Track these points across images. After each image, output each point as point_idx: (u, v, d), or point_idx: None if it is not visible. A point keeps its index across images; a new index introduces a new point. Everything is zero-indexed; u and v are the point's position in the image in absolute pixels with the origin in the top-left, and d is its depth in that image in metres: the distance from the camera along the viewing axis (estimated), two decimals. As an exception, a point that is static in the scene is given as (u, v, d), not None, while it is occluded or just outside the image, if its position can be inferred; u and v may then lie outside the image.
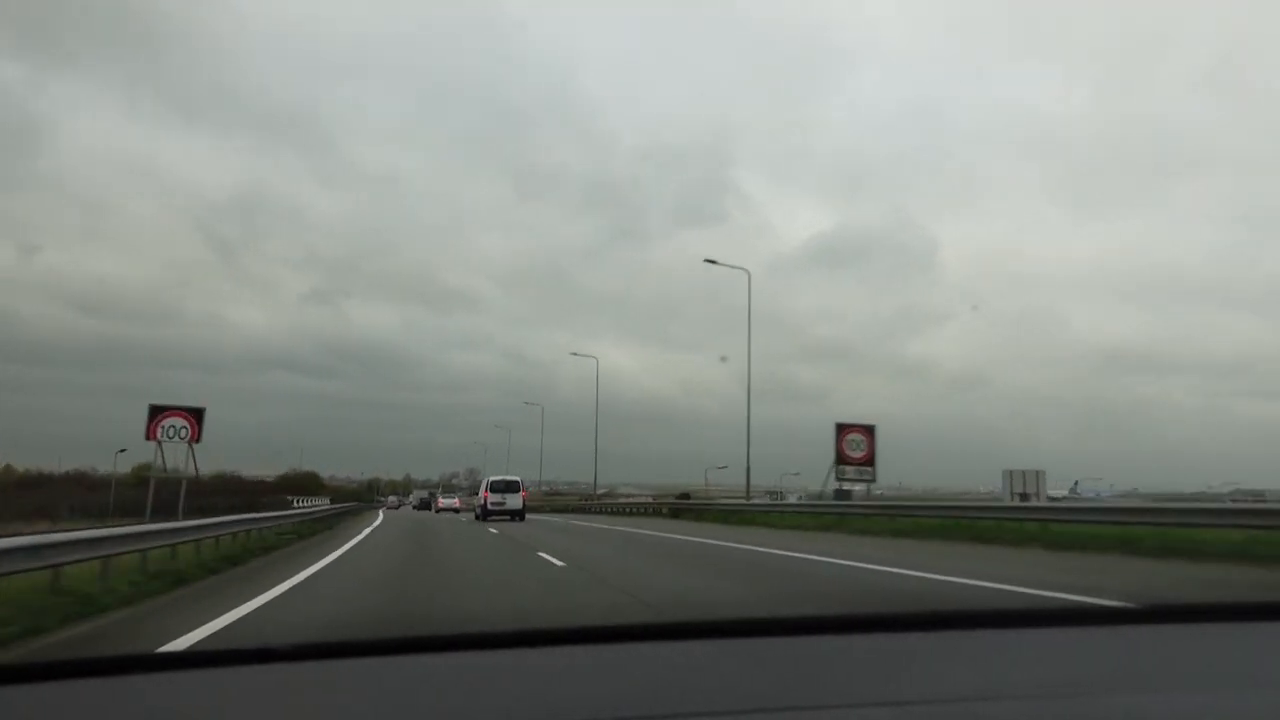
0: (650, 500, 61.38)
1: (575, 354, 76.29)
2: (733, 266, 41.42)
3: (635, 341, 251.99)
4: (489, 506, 37.89)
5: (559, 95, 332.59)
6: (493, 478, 41.36)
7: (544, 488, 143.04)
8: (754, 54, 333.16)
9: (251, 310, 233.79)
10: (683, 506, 46.69)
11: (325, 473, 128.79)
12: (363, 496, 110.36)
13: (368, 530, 26.52)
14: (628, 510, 50.99)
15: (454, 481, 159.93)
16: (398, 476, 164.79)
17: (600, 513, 51.29)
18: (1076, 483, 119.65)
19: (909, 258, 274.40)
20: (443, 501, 71.93)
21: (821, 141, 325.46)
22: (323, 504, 52.11)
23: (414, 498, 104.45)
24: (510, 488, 39.42)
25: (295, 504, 50.20)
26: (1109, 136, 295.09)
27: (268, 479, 71.63)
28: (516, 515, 37.01)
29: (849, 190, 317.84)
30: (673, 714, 1.28)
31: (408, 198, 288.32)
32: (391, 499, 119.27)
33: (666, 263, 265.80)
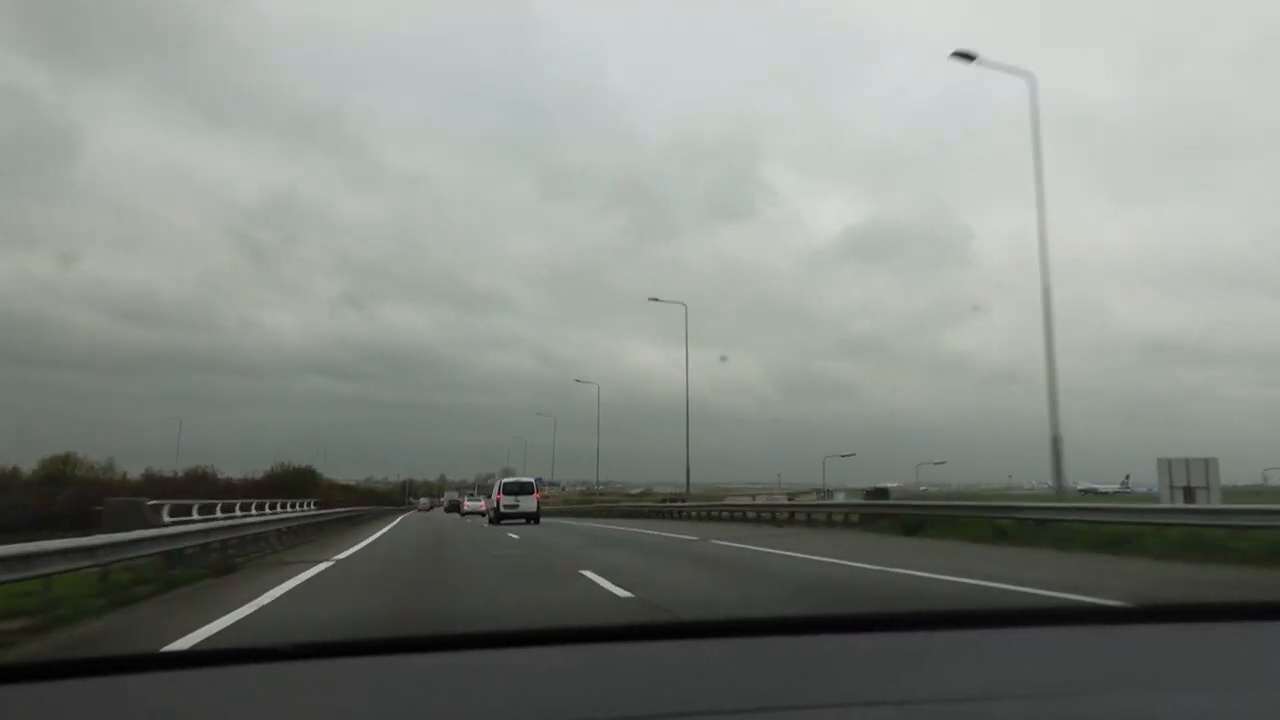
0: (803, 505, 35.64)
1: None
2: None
3: (665, 339, 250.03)
4: (501, 509, 36.60)
5: (585, 92, 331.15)
6: (506, 479, 41.12)
7: (579, 488, 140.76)
8: (782, 45, 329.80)
9: (285, 315, 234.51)
10: (913, 514, 22.54)
11: (361, 476, 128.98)
12: (393, 499, 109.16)
13: (334, 559, 14.89)
14: (745, 515, 32.47)
15: (489, 482, 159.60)
16: (432, 478, 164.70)
17: (690, 517, 36.99)
18: (1128, 476, 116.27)
19: (944, 249, 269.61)
20: (467, 504, 66.71)
21: (853, 133, 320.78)
22: (292, 511, 30.41)
23: (446, 499, 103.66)
24: (524, 489, 38.31)
25: (243, 511, 30.12)
26: (1151, 120, 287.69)
27: (255, 477, 60.87)
28: (531, 518, 35.83)
29: (882, 182, 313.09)
30: (674, 714, 1.31)
31: (437, 199, 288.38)
32: (423, 501, 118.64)
33: (696, 260, 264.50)
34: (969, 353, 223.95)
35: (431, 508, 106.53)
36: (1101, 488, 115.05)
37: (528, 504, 36.84)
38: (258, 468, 65.55)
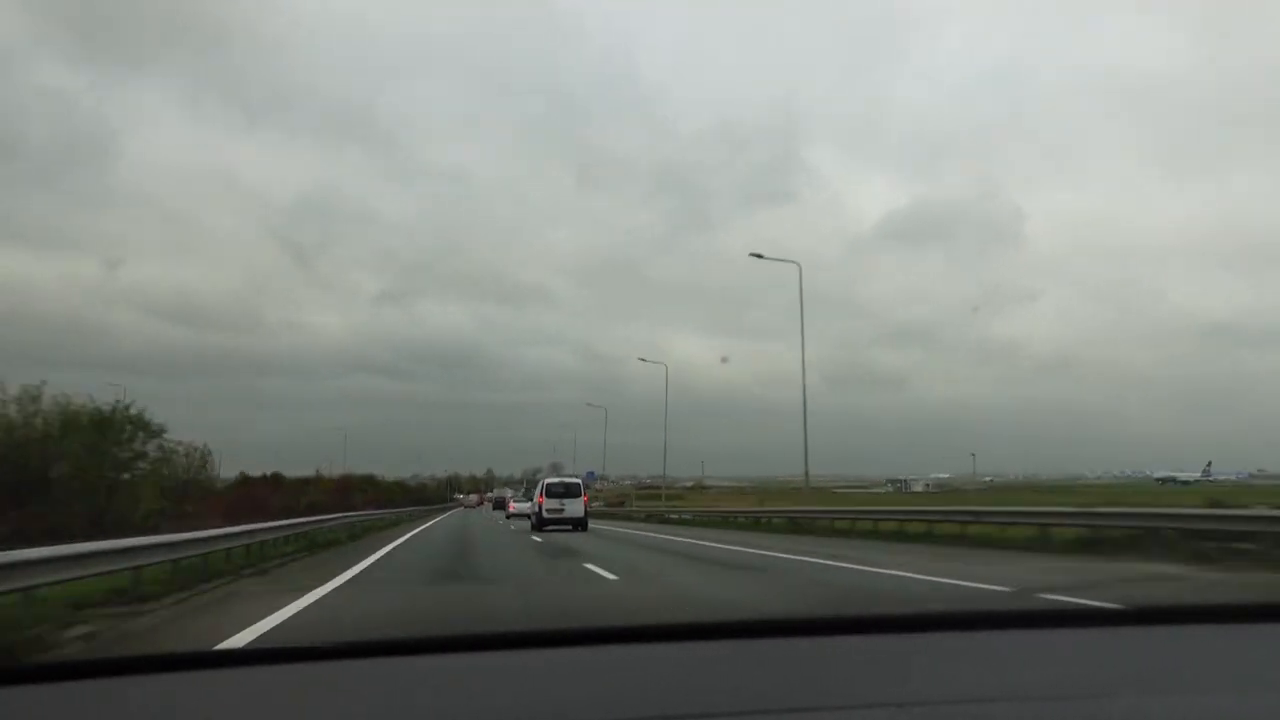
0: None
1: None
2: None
3: (708, 332, 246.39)
4: (545, 514, 31.48)
5: (619, 81, 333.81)
6: (549, 480, 35.10)
7: (626, 481, 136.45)
8: (822, 24, 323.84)
9: (328, 315, 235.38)
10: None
11: (407, 473, 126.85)
12: (431, 497, 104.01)
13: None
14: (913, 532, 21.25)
15: (537, 477, 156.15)
16: (479, 473, 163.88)
17: (838, 531, 24.98)
18: (1210, 464, 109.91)
19: (993, 232, 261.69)
20: (514, 506, 51.26)
21: (897, 113, 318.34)
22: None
23: (494, 495, 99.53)
24: (570, 490, 32.72)
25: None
26: (1211, 90, 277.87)
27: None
28: (578, 525, 31.02)
29: (928, 163, 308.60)
30: (675, 715, 1.33)
31: (475, 194, 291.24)
32: (471, 497, 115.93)
33: (736, 248, 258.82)
34: (1019, 339, 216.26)
35: (480, 503, 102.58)
36: (1182, 476, 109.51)
37: (574, 508, 31.62)
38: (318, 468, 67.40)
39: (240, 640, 6.51)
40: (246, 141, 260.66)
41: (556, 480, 35.03)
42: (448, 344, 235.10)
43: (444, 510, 73.93)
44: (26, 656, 6.03)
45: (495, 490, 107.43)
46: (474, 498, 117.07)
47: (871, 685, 1.51)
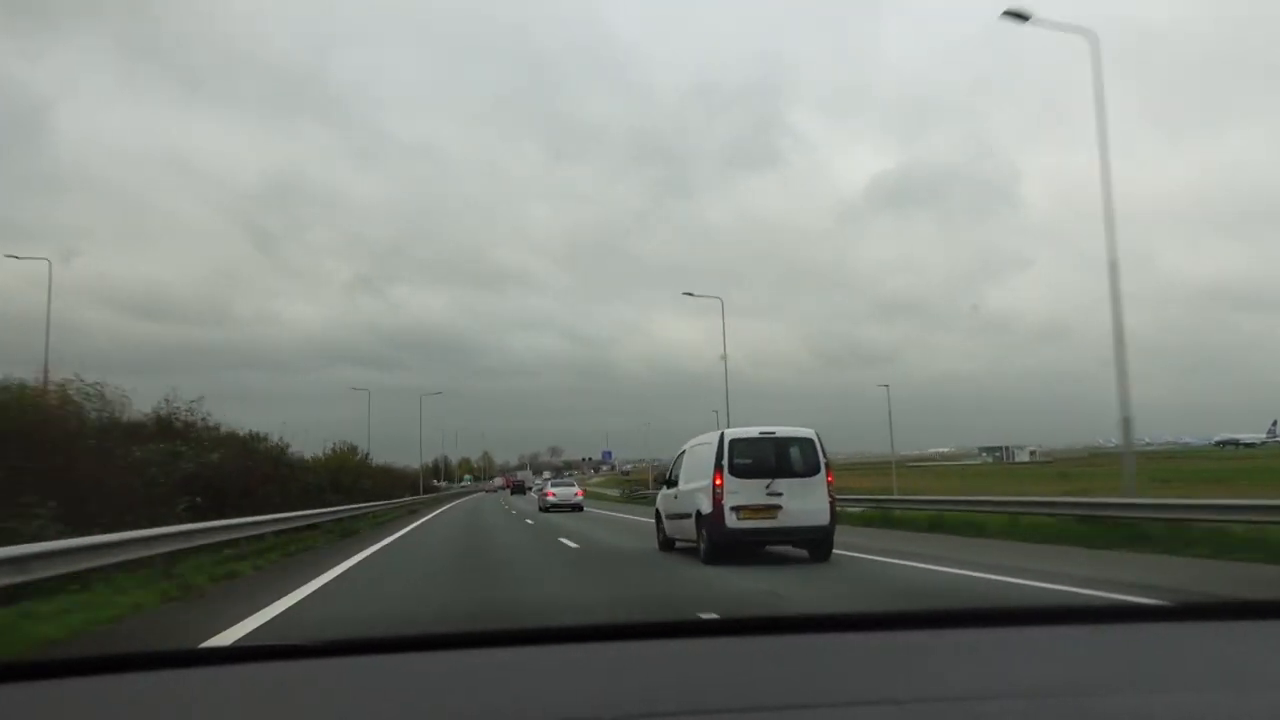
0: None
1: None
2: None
3: (694, 312, 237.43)
4: (550, 501, 40.06)
5: (592, 43, 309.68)
6: (554, 480, 52.24)
7: (625, 466, 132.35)
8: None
9: (302, 305, 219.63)
10: None
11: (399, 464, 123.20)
12: (418, 484, 64.67)
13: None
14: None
15: (538, 462, 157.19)
16: (474, 458, 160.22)
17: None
18: (1276, 422, 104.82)
19: (986, 195, 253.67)
20: (554, 493, 41.56)
21: (884, 70, 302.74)
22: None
23: (517, 480, 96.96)
24: (568, 485, 45.33)
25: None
26: (1213, 40, 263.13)
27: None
28: (575, 508, 38.82)
29: (918, 123, 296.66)
30: (675, 712, 1.32)
31: (445, 170, 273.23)
32: (496, 480, 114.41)
33: (721, 220, 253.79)
34: (1014, 309, 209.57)
35: (507, 484, 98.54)
36: (1245, 438, 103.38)
37: (571, 496, 40.87)
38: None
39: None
40: (197, 119, 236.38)
41: (559, 478, 57.68)
42: (429, 331, 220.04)
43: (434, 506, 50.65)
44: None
45: (522, 475, 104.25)
46: (499, 480, 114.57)
47: (870, 682, 1.51)
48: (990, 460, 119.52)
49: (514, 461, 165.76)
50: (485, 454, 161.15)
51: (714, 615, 1.90)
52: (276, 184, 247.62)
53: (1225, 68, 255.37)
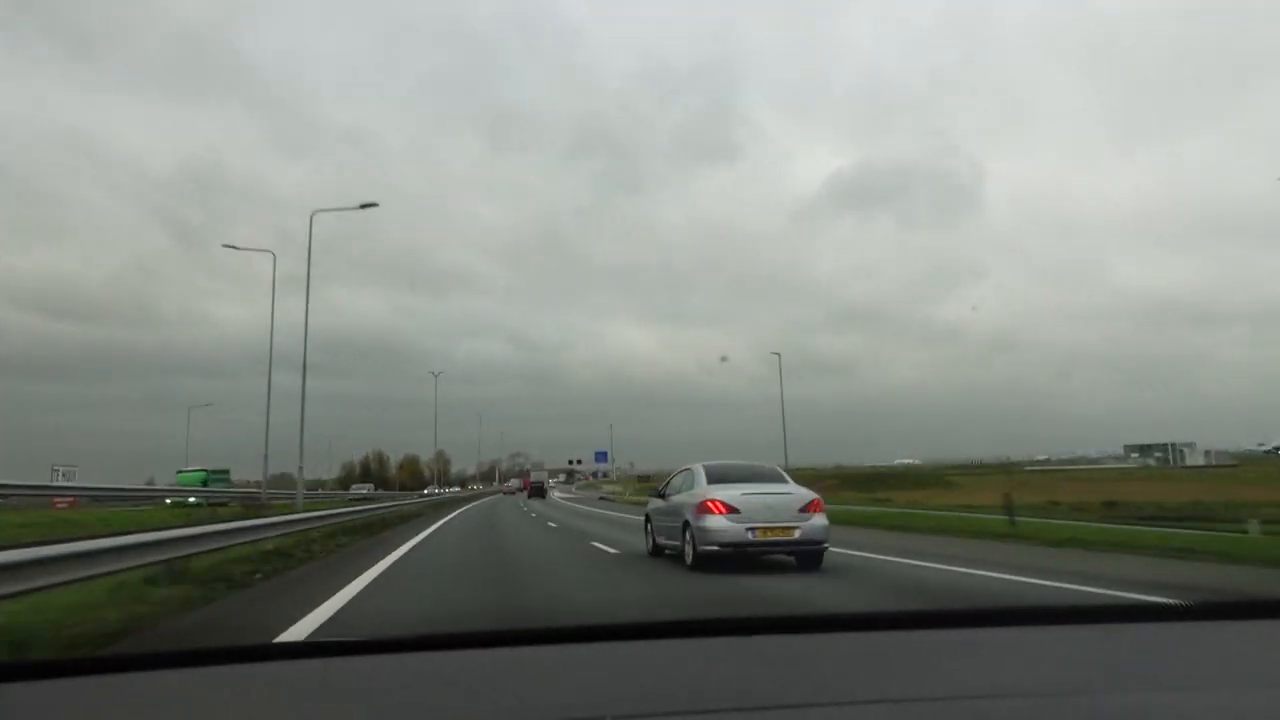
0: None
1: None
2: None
3: (646, 318, 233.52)
4: (530, 492, 64.40)
5: (532, 19, 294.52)
6: (535, 476, 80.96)
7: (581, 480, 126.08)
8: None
9: (232, 306, 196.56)
10: None
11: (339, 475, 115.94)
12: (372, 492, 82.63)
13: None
14: None
15: (501, 467, 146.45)
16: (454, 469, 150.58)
17: None
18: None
19: (945, 195, 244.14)
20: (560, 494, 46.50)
21: (843, 63, 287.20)
22: None
23: (535, 481, 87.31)
24: (542, 481, 76.27)
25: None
26: (1177, 37, 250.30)
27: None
28: (544, 495, 61.15)
29: (877, 121, 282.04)
30: (674, 712, 1.32)
31: (379, 160, 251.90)
32: (512, 482, 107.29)
33: (673, 219, 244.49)
34: (970, 318, 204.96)
35: (526, 487, 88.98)
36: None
37: (540, 489, 68.16)
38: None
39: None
40: (93, 93, 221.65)
41: (535, 478, 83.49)
42: (368, 336, 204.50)
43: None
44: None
45: (534, 475, 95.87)
46: (515, 482, 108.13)
47: (869, 681, 1.52)
48: (1151, 463, 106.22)
49: (470, 469, 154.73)
50: (440, 454, 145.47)
51: (714, 616, 1.94)
52: (194, 172, 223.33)
53: (1185, 65, 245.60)
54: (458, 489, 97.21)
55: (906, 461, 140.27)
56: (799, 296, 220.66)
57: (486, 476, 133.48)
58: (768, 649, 1.76)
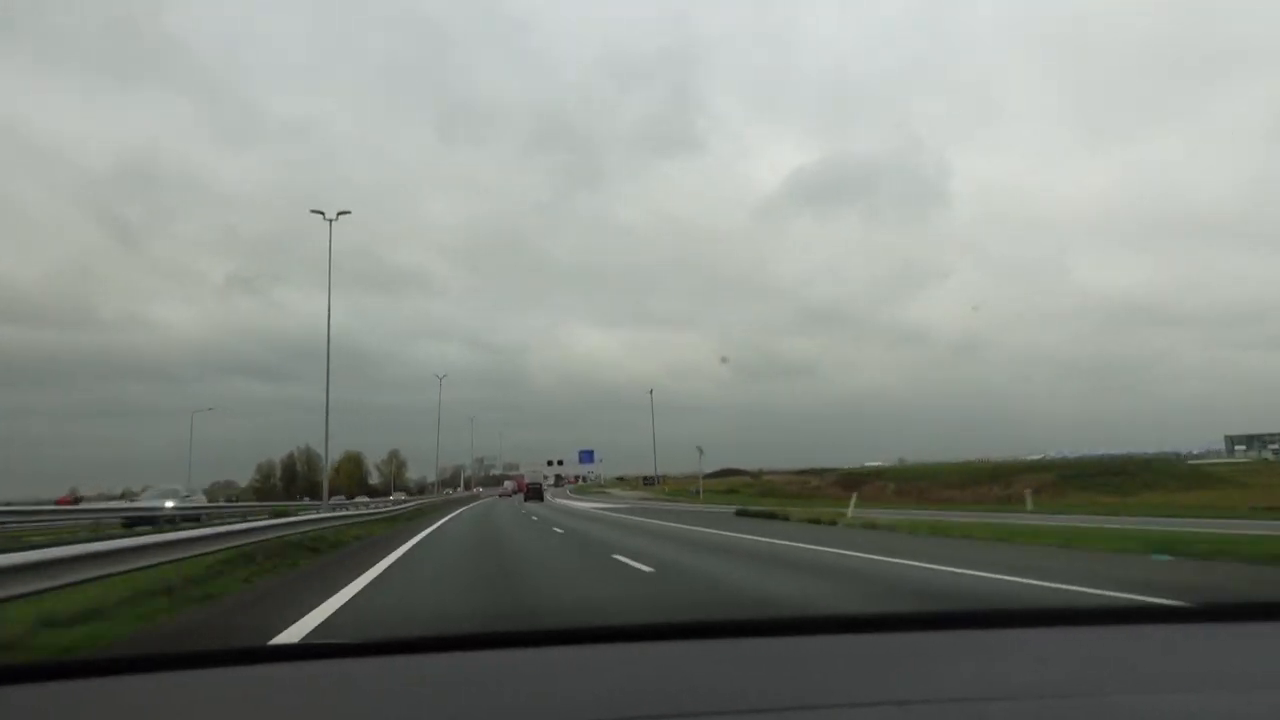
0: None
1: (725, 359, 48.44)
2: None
3: (610, 321, 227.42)
4: (527, 495, 65.80)
5: (488, 3, 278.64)
6: (530, 479, 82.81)
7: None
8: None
9: (177, 307, 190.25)
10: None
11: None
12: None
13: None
14: None
15: (464, 474, 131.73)
16: (413, 475, 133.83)
17: None
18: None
19: (913, 191, 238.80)
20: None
21: (808, 56, 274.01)
22: None
23: (508, 485, 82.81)
24: (539, 484, 76.37)
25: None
26: (1145, 32, 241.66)
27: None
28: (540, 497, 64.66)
29: (842, 116, 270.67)
30: (675, 714, 1.32)
31: (328, 154, 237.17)
32: (507, 485, 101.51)
33: (635, 217, 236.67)
34: (936, 319, 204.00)
35: (521, 488, 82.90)
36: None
37: (538, 492, 71.78)
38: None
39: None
40: (23, 82, 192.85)
41: (532, 480, 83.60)
42: (321, 340, 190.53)
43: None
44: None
45: (530, 475, 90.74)
46: (510, 485, 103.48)
47: (873, 683, 1.52)
48: (1270, 456, 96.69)
49: (431, 476, 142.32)
50: (394, 456, 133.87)
51: (716, 617, 1.90)
52: (132, 166, 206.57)
53: (1153, 63, 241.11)
54: (403, 497, 76.37)
55: (875, 465, 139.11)
56: (763, 295, 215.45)
57: (449, 482, 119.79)
58: (770, 651, 1.76)
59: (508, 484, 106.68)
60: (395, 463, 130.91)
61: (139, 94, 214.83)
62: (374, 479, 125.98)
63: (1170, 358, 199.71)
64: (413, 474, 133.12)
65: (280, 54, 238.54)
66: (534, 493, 74.50)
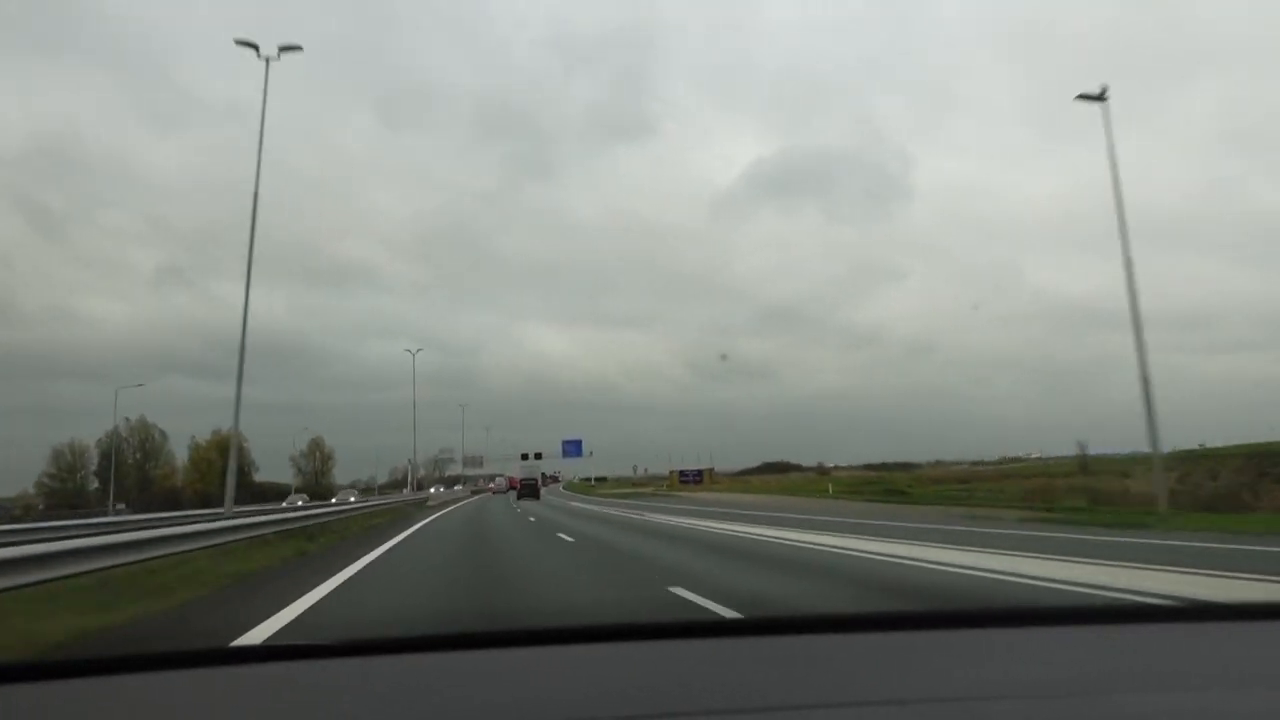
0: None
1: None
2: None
3: (564, 319, 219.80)
4: (520, 491, 68.55)
5: None
6: (523, 476, 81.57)
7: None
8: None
9: (105, 301, 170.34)
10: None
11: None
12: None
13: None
14: None
15: (406, 474, 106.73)
16: (343, 480, 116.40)
17: None
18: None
19: (874, 187, 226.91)
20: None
21: (767, 45, 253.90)
22: None
23: (524, 479, 72.71)
24: (533, 479, 79.02)
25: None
26: (1110, 26, 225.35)
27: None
28: (535, 494, 66.41)
29: (803, 106, 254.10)
30: (677, 713, 1.32)
31: (265, 140, 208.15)
32: (498, 480, 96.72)
33: (588, 209, 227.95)
34: (894, 320, 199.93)
35: (514, 485, 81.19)
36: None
37: (533, 488, 74.12)
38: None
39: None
40: None
41: (526, 475, 79.18)
42: (266, 337, 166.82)
43: None
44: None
45: (522, 467, 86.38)
46: (502, 481, 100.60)
47: (873, 682, 1.51)
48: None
49: (384, 478, 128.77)
50: (317, 447, 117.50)
51: (716, 616, 1.61)
52: (48, 147, 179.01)
53: (1116, 58, 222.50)
54: (299, 501, 56.92)
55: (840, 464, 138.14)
56: (720, 294, 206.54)
57: (398, 484, 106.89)
58: (771, 650, 1.75)
59: (499, 480, 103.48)
60: (319, 456, 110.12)
61: (57, 69, 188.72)
62: (291, 477, 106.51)
63: (1122, 362, 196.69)
64: (364, 472, 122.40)
65: (204, 23, 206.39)
66: (528, 490, 70.88)
